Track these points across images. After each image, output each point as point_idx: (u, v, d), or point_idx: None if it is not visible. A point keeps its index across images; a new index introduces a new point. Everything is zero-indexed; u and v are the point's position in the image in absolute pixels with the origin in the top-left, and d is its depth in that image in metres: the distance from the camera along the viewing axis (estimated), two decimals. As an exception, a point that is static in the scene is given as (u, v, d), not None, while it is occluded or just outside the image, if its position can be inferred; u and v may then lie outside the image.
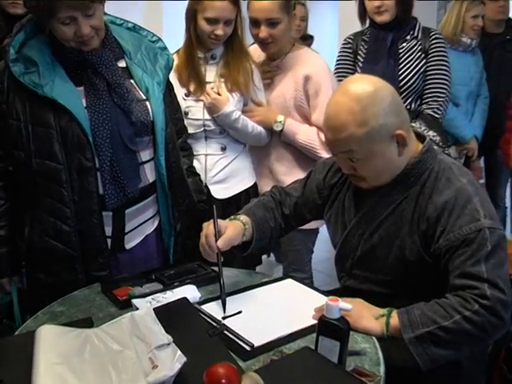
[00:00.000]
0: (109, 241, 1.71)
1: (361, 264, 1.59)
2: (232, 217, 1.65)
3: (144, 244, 1.80)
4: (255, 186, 2.37)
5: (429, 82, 2.55)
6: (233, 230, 1.54)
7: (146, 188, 1.74)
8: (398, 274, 1.52)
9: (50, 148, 1.58)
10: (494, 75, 3.43)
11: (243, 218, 1.62)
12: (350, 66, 2.66)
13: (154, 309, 1.34)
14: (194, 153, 2.17)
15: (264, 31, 2.20)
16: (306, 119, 2.31)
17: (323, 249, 3.03)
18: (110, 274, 1.70)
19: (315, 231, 2.46)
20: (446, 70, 2.56)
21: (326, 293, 1.60)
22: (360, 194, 1.59)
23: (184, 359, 1.11)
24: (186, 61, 2.19)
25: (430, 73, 2.55)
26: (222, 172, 2.25)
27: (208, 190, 2.22)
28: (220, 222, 1.54)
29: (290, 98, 2.28)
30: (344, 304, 1.18)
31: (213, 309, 1.48)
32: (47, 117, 1.57)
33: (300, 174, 1.83)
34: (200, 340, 1.27)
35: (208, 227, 1.53)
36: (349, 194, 1.63)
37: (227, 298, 1.50)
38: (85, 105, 1.61)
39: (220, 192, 2.25)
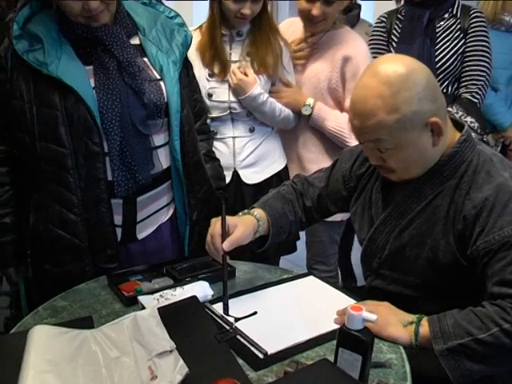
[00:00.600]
0: (119, 230, 1.60)
1: (389, 264, 1.45)
2: (246, 211, 1.53)
3: (157, 234, 1.69)
4: (286, 168, 2.23)
5: (468, 63, 2.37)
6: (243, 229, 1.40)
7: (160, 174, 1.63)
8: (429, 277, 1.38)
9: (55, 131, 1.47)
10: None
11: (258, 212, 1.50)
12: (383, 47, 2.49)
13: (160, 308, 1.24)
14: (221, 136, 2.07)
15: (318, 8, 2.01)
16: (339, 104, 2.15)
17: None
18: (120, 266, 1.59)
19: (341, 224, 2.32)
20: (486, 52, 2.37)
21: (351, 293, 1.46)
22: (389, 187, 1.45)
23: (186, 370, 1.00)
24: (209, 39, 2.04)
25: (469, 54, 2.36)
26: (252, 155, 2.12)
27: (238, 175, 2.10)
28: (229, 219, 1.41)
29: (324, 78, 2.12)
30: (368, 314, 1.04)
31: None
32: (52, 97, 1.46)
33: (327, 163, 1.68)
34: (207, 346, 1.16)
35: (215, 225, 1.40)
36: (377, 186, 1.49)
37: (242, 297, 1.41)
38: (93, 85, 1.49)
39: (251, 176, 2.12)
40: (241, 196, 2.11)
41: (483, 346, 1.19)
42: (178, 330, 1.16)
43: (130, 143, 1.52)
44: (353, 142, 2.02)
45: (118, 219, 1.58)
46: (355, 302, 1.40)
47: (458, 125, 1.40)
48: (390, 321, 1.27)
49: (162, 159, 1.63)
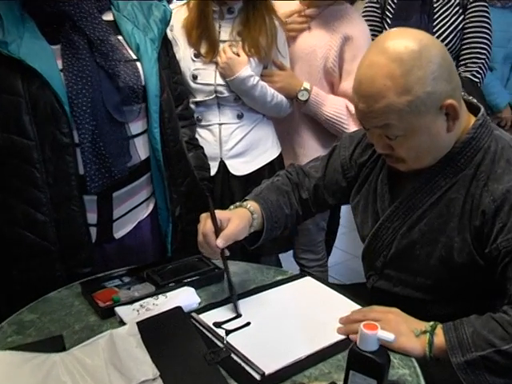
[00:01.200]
0: (93, 230, 1.44)
1: (395, 264, 1.31)
2: (238, 203, 1.37)
3: (137, 232, 1.54)
4: (280, 157, 2.05)
5: (467, 40, 2.23)
6: (237, 222, 1.26)
7: (138, 166, 1.47)
8: (442, 278, 1.24)
9: (18, 120, 1.29)
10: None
11: (251, 205, 1.34)
12: (377, 23, 2.33)
13: (140, 323, 1.08)
14: (206, 122, 1.89)
15: None
16: (332, 88, 1.99)
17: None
18: (95, 270, 1.43)
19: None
20: (486, 28, 2.24)
21: (352, 296, 1.32)
22: (396, 178, 1.30)
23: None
24: (197, 16, 1.84)
25: (468, 30, 2.23)
26: (241, 144, 1.93)
27: (224, 165, 1.92)
28: (220, 213, 1.26)
29: (321, 57, 1.94)
30: (384, 333, 0.90)
31: (215, 318, 1.21)
32: (14, 82, 1.28)
33: (324, 151, 1.53)
34: (195, 369, 1.00)
35: (205, 223, 1.24)
36: (382, 176, 1.34)
37: (232, 305, 1.26)
38: (60, 67, 1.31)
39: (239, 167, 1.94)
40: (228, 189, 1.94)
41: (507, 358, 1.05)
42: (161, 351, 1.01)
43: (103, 132, 1.35)
44: (351, 127, 1.87)
45: (91, 218, 1.42)
46: (359, 306, 1.27)
47: (472, 107, 1.25)
48: (401, 330, 1.13)
49: (140, 149, 1.47)
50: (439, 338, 1.11)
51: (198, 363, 1.00)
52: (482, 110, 1.23)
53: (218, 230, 1.22)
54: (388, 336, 0.90)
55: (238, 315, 1.22)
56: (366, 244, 1.37)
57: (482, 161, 1.18)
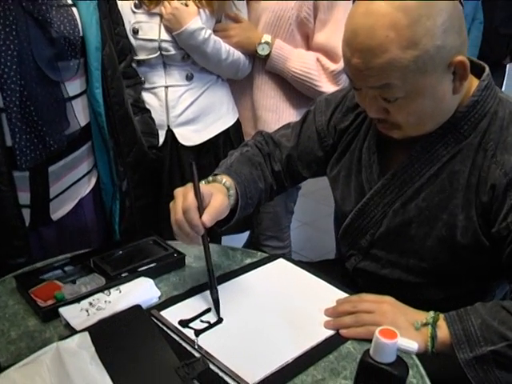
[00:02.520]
0: (27, 212, 1.27)
1: (385, 243, 1.17)
2: (210, 178, 1.19)
3: (78, 212, 1.40)
4: (238, 124, 1.85)
5: None
6: (221, 197, 1.08)
7: (77, 135, 1.30)
8: (440, 260, 1.12)
9: None
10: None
11: (226, 179, 1.16)
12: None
13: (92, 329, 0.89)
14: (150, 85, 1.69)
15: None
16: (307, 41, 1.79)
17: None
18: (32, 260, 1.24)
19: (298, 189, 2.02)
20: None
21: (333, 281, 1.18)
22: (387, 146, 1.16)
23: None
24: None
25: None
26: (190, 109, 1.72)
27: (173, 134, 1.72)
28: (201, 187, 1.08)
29: (293, 5, 1.72)
30: (407, 342, 0.75)
31: (180, 314, 1.04)
32: None
33: (291, 114, 1.36)
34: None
35: (186, 197, 1.04)
36: (368, 143, 1.19)
37: (198, 296, 1.11)
38: (-23, 13, 1.09)
39: (190, 136, 1.74)
40: (178, 162, 1.74)
41: None
42: (122, 366, 0.83)
43: (33, 94, 1.17)
44: (323, 86, 1.70)
45: (24, 197, 1.25)
46: (344, 293, 1.13)
47: (474, 67, 1.11)
48: (399, 323, 1.00)
49: (79, 114, 1.30)
50: (443, 331, 0.99)
51: (170, 381, 0.83)
52: (487, 69, 1.09)
53: (201, 206, 1.03)
54: (411, 345, 0.75)
55: (219, 319, 1.04)
56: (348, 221, 1.23)
57: (488, 128, 1.05)
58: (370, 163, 1.17)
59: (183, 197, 1.04)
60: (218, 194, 1.08)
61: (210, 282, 1.08)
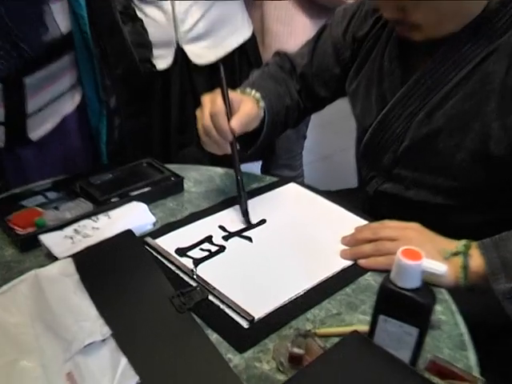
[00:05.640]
0: (1, 130, 1.22)
1: (409, 161, 1.12)
2: (238, 90, 1.18)
3: (60, 131, 1.34)
4: (254, 37, 1.80)
5: None
6: (251, 105, 1.09)
7: (58, 42, 1.24)
8: (472, 178, 1.06)
9: None
10: None
11: (254, 92, 1.16)
12: None
13: (77, 256, 0.85)
14: None
15: None
16: None
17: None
18: (8, 184, 1.22)
19: None
20: None
21: (353, 208, 1.14)
22: (411, 51, 1.09)
23: (136, 380, 0.64)
24: None
25: None
26: (202, 23, 1.66)
27: (183, 52, 1.66)
28: (230, 93, 1.08)
29: None
30: (433, 263, 0.70)
31: (177, 242, 1.01)
32: None
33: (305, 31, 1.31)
34: (160, 322, 0.78)
35: (215, 102, 1.05)
36: (390, 50, 1.12)
37: (199, 223, 1.08)
38: None
39: (201, 54, 1.69)
40: (190, 82, 1.69)
41: None
42: (110, 296, 0.79)
43: None
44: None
45: None
46: (364, 220, 1.09)
47: None
48: (427, 252, 0.95)
49: (59, 18, 1.22)
50: (476, 260, 0.94)
51: (164, 312, 0.79)
52: None
53: (230, 112, 1.04)
54: (439, 267, 0.70)
55: (220, 248, 1.01)
56: (367, 136, 1.18)
57: None
58: (391, 69, 1.12)
59: (211, 102, 1.05)
60: (248, 101, 1.09)
61: (239, 192, 1.09)
